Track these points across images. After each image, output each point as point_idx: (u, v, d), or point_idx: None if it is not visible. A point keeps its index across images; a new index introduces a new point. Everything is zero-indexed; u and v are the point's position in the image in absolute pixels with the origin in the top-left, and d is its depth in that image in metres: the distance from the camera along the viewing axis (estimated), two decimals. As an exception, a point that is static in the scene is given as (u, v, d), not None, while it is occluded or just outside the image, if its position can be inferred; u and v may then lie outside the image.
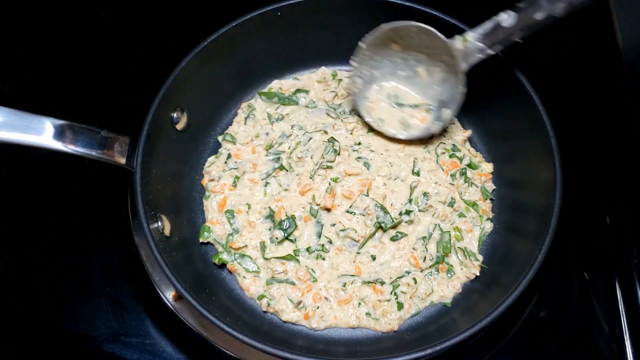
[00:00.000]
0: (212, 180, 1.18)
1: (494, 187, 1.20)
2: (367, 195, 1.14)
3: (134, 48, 1.46)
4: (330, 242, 1.12)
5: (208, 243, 1.14)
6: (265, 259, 1.10)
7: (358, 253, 1.11)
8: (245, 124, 1.25)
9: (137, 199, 1.00)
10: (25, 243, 1.21)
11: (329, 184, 1.15)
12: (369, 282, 1.08)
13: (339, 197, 1.14)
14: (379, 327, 1.06)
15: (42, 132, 0.98)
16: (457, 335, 0.90)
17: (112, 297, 1.15)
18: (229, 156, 1.21)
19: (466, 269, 1.10)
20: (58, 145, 0.99)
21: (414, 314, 1.08)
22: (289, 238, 1.12)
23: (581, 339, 1.12)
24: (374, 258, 1.11)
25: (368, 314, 1.06)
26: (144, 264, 1.13)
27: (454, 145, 1.21)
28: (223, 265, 1.12)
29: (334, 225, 1.12)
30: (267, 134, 1.24)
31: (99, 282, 1.17)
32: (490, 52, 1.02)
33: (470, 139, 1.26)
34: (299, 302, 1.06)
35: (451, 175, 1.17)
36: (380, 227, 1.11)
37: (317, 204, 1.14)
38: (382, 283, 1.08)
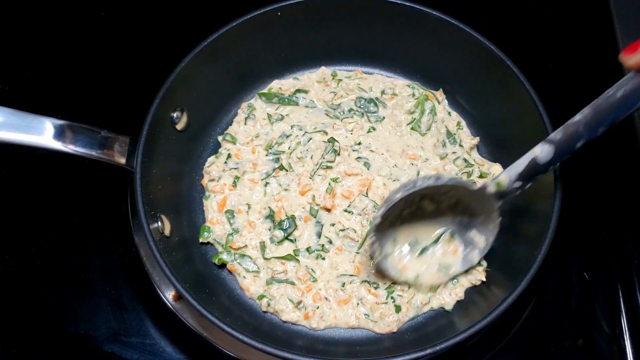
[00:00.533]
0: (212, 180, 1.18)
1: None
2: (367, 196, 1.14)
3: (134, 48, 1.46)
4: (330, 242, 1.12)
5: (208, 243, 1.14)
6: (265, 258, 1.10)
7: (357, 253, 1.11)
8: (245, 124, 1.25)
9: (137, 199, 1.00)
10: (25, 243, 1.21)
11: (329, 184, 1.15)
12: (366, 282, 1.08)
13: (339, 197, 1.14)
14: (377, 329, 1.05)
15: (42, 132, 0.98)
16: (457, 336, 0.90)
17: (112, 297, 1.15)
18: (229, 156, 1.21)
19: (471, 276, 1.09)
20: (58, 145, 0.98)
21: (413, 317, 1.07)
22: (289, 238, 1.12)
23: (581, 339, 1.12)
24: (372, 257, 1.11)
25: (367, 315, 1.06)
26: (144, 264, 1.13)
27: (464, 159, 1.19)
28: (223, 265, 1.12)
29: (333, 225, 1.12)
30: (267, 134, 1.24)
31: (99, 282, 1.17)
32: (527, 186, 0.94)
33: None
34: (299, 302, 1.06)
35: None
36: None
37: (317, 204, 1.14)
38: (377, 287, 1.08)
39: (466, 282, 1.09)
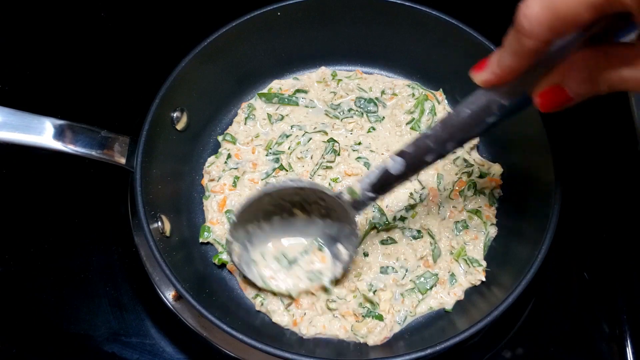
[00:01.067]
0: (212, 180, 1.18)
1: (502, 194, 1.18)
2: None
3: (134, 48, 1.46)
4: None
5: (208, 243, 1.14)
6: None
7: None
8: (245, 124, 1.25)
9: (137, 199, 1.00)
10: (25, 243, 1.21)
11: (329, 184, 1.15)
12: (335, 300, 1.06)
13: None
14: (371, 342, 1.03)
15: (42, 132, 0.98)
16: (456, 336, 0.90)
17: (112, 297, 1.15)
18: (229, 156, 1.21)
19: (470, 276, 1.09)
20: (58, 145, 0.99)
21: (404, 318, 1.06)
22: None
23: (581, 339, 1.12)
24: (366, 254, 1.10)
25: (354, 332, 1.03)
26: (144, 264, 1.13)
27: (464, 159, 1.20)
28: (223, 265, 1.12)
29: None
30: (266, 134, 1.24)
31: (99, 282, 1.17)
32: (381, 196, 0.92)
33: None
34: (289, 304, 1.06)
35: (459, 193, 1.16)
36: (374, 226, 1.11)
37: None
38: (352, 294, 1.06)
39: (466, 282, 1.09)
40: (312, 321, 1.05)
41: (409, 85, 1.29)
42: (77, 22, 1.50)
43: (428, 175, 1.18)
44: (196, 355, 1.11)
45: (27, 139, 0.97)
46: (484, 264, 1.10)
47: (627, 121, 1.29)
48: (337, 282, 1.07)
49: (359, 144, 1.21)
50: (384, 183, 0.90)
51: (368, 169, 1.17)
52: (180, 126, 1.17)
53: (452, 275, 1.09)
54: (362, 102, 1.26)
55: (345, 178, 1.16)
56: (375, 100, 1.27)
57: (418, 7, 1.18)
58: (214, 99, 1.26)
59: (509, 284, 0.97)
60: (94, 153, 1.01)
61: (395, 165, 0.87)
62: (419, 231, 1.12)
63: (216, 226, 1.14)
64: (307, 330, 1.04)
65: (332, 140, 1.20)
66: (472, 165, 1.19)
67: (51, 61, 1.44)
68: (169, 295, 1.11)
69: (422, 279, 1.08)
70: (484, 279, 1.08)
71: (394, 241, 1.11)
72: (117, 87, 1.40)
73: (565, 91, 0.64)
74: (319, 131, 1.22)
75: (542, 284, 1.15)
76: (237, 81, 1.28)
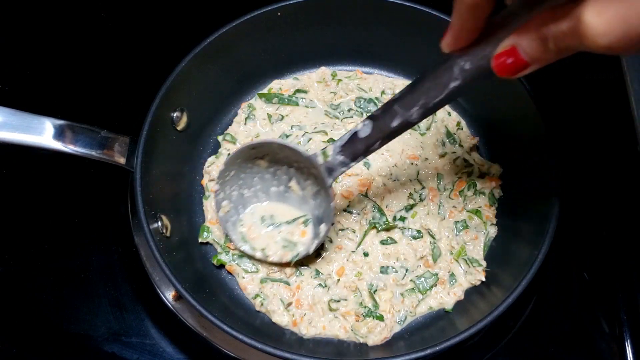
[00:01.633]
0: (213, 180, 1.18)
1: (502, 194, 1.18)
2: (366, 196, 1.14)
3: (134, 48, 1.46)
4: (331, 241, 1.12)
5: (207, 243, 1.14)
6: None
7: (353, 252, 1.11)
8: (245, 124, 1.25)
9: (137, 199, 1.00)
10: (25, 243, 1.21)
11: (329, 184, 1.15)
12: (338, 300, 1.06)
13: (339, 197, 1.14)
14: (370, 342, 1.03)
15: (42, 132, 0.98)
16: (456, 336, 0.90)
17: (112, 297, 1.15)
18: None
19: (470, 276, 1.09)
20: (58, 145, 0.99)
21: (404, 318, 1.06)
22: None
23: (581, 339, 1.12)
24: (366, 254, 1.11)
25: (354, 332, 1.04)
26: (144, 264, 1.13)
27: (464, 159, 1.20)
28: (222, 265, 1.12)
29: (332, 224, 1.13)
30: (267, 134, 1.24)
31: (99, 282, 1.17)
32: (352, 164, 0.93)
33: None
34: (289, 304, 1.06)
35: (459, 193, 1.16)
36: (374, 226, 1.11)
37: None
38: (353, 293, 1.07)
39: (466, 282, 1.09)
40: (312, 321, 1.05)
41: None
42: (77, 22, 1.50)
43: (428, 175, 1.18)
44: (196, 355, 1.11)
45: (27, 139, 0.97)
46: (484, 264, 1.10)
47: (627, 121, 1.29)
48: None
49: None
50: (353, 146, 0.91)
51: (368, 169, 1.17)
52: (180, 126, 1.17)
53: (452, 275, 1.09)
54: (362, 102, 1.26)
55: (345, 178, 1.16)
56: (375, 100, 1.27)
57: (418, 7, 1.18)
58: (214, 99, 1.26)
59: (509, 284, 0.97)
60: (94, 153, 1.01)
61: (364, 129, 0.89)
62: (419, 231, 1.12)
63: (215, 226, 1.14)
64: (307, 330, 1.04)
65: (332, 140, 1.20)
66: (472, 165, 1.19)
67: (51, 61, 1.44)
68: (169, 295, 1.11)
69: (422, 279, 1.08)
70: (484, 279, 1.08)
71: (394, 241, 1.11)
72: (117, 87, 1.40)
73: (518, 53, 0.66)
74: (319, 131, 1.22)
75: (542, 284, 1.15)
76: (237, 81, 1.28)
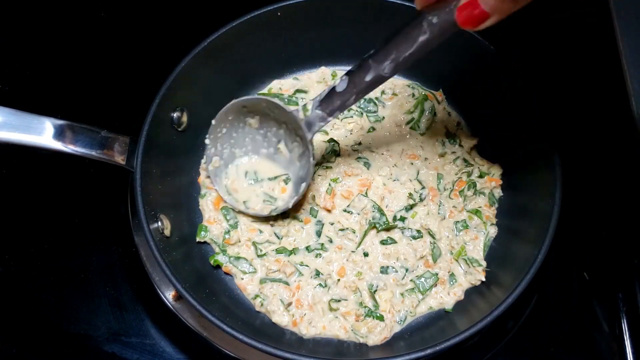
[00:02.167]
0: (209, 177, 1.19)
1: (502, 194, 1.18)
2: (366, 196, 1.14)
3: (134, 48, 1.46)
4: (331, 241, 1.12)
5: (206, 242, 1.14)
6: (259, 256, 1.11)
7: (353, 252, 1.11)
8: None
9: (137, 199, 1.00)
10: (25, 243, 1.21)
11: (329, 184, 1.15)
12: (338, 300, 1.07)
13: (339, 197, 1.15)
14: (370, 342, 1.03)
15: (42, 132, 0.98)
16: (457, 336, 0.90)
17: (112, 297, 1.15)
18: None
19: (470, 276, 1.09)
20: (58, 145, 0.99)
21: (404, 318, 1.06)
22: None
23: (581, 339, 1.12)
24: (366, 254, 1.11)
25: (354, 332, 1.04)
26: (144, 264, 1.13)
27: (464, 159, 1.20)
28: (220, 265, 1.12)
29: (332, 224, 1.13)
30: None
31: (99, 282, 1.17)
32: (330, 119, 0.99)
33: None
34: (289, 304, 1.06)
35: (459, 193, 1.16)
36: (374, 226, 1.11)
37: (317, 204, 1.14)
38: (353, 293, 1.07)
39: (466, 282, 1.09)
40: (312, 321, 1.05)
41: (409, 86, 1.29)
42: (77, 22, 1.50)
43: (428, 175, 1.18)
44: (196, 355, 1.11)
45: (27, 139, 0.97)
46: (484, 264, 1.10)
47: (627, 121, 1.29)
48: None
49: (360, 144, 1.21)
50: (331, 101, 0.96)
51: (368, 169, 1.17)
52: (180, 126, 1.17)
53: (452, 275, 1.09)
54: (362, 102, 1.26)
55: (345, 178, 1.16)
56: (375, 100, 1.27)
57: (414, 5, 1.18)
58: (214, 99, 1.25)
59: (509, 284, 0.97)
60: (94, 153, 1.01)
61: (341, 84, 0.94)
62: (419, 231, 1.12)
63: (213, 225, 1.14)
64: (307, 330, 1.04)
65: (332, 140, 1.20)
66: (472, 165, 1.19)
67: (51, 61, 1.44)
68: (169, 295, 1.12)
69: (422, 279, 1.08)
70: (484, 279, 1.08)
71: (394, 241, 1.11)
72: (117, 87, 1.40)
73: (479, 4, 0.70)
74: (320, 131, 1.22)
75: (542, 284, 1.15)
76: (237, 81, 1.28)
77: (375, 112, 1.26)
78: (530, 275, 0.94)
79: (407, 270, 1.09)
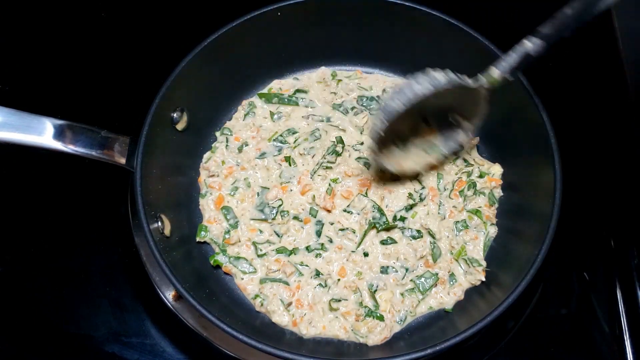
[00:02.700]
0: (212, 176, 1.19)
1: (502, 194, 1.18)
2: (366, 196, 1.14)
3: (134, 48, 1.46)
4: (331, 241, 1.12)
5: (206, 242, 1.14)
6: (259, 256, 1.11)
7: (353, 252, 1.11)
8: (244, 120, 1.26)
9: (137, 199, 1.00)
10: (25, 243, 1.21)
11: (329, 184, 1.15)
12: (338, 300, 1.07)
13: (339, 197, 1.15)
14: (370, 342, 1.03)
15: (42, 132, 0.98)
16: (457, 336, 0.90)
17: (112, 297, 1.15)
18: (227, 145, 1.22)
19: (470, 276, 1.09)
20: (58, 145, 0.99)
21: (404, 318, 1.06)
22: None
23: (581, 339, 1.12)
24: (366, 254, 1.11)
25: (354, 332, 1.04)
26: (144, 264, 1.13)
27: (464, 159, 1.20)
28: (220, 265, 1.12)
29: (332, 224, 1.13)
30: (268, 128, 1.24)
31: (99, 283, 1.17)
32: (511, 79, 0.99)
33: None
34: (289, 304, 1.06)
35: (459, 192, 1.16)
36: (374, 226, 1.11)
37: (317, 204, 1.14)
38: (353, 293, 1.07)
39: (466, 282, 1.09)
40: (312, 321, 1.05)
41: None
42: (77, 22, 1.50)
43: (428, 175, 1.18)
44: (196, 355, 1.11)
45: (27, 139, 0.97)
46: (484, 264, 1.10)
47: (627, 122, 1.29)
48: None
49: (362, 144, 1.21)
50: (522, 66, 0.95)
51: (368, 169, 1.17)
52: (180, 126, 1.17)
53: (452, 275, 1.09)
54: (364, 100, 1.27)
55: (345, 179, 1.16)
56: (377, 99, 1.27)
57: (418, 7, 1.18)
58: (214, 99, 1.26)
59: (509, 284, 0.97)
60: (94, 153, 1.01)
61: (535, 47, 0.92)
62: (418, 231, 1.12)
63: (213, 225, 1.14)
64: (307, 330, 1.04)
65: (340, 140, 1.19)
66: (472, 165, 1.19)
67: (51, 61, 1.44)
68: (169, 295, 1.11)
69: (422, 279, 1.08)
70: (484, 279, 1.08)
71: (394, 241, 1.11)
72: (117, 87, 1.40)
73: None
74: (332, 125, 1.22)
75: (542, 284, 1.15)
76: (237, 81, 1.28)
77: (378, 110, 1.26)
78: (530, 275, 0.94)
79: (407, 270, 1.09)
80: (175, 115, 1.15)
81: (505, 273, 1.04)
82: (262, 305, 1.07)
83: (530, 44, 0.92)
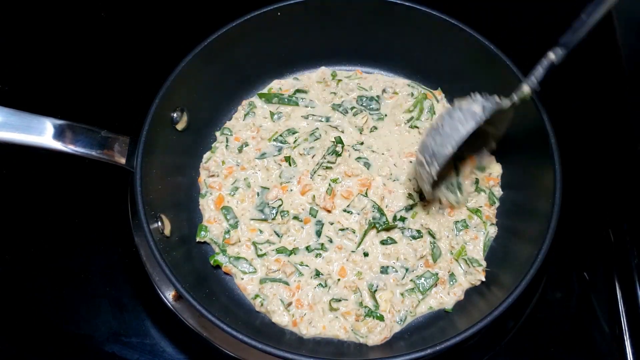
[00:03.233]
0: (212, 176, 1.19)
1: (502, 193, 1.18)
2: (366, 196, 1.14)
3: (134, 48, 1.46)
4: (331, 240, 1.12)
5: (206, 242, 1.14)
6: (259, 256, 1.11)
7: (353, 252, 1.11)
8: (244, 120, 1.26)
9: (137, 199, 1.00)
10: (25, 243, 1.21)
11: (329, 184, 1.15)
12: (338, 300, 1.07)
13: (339, 197, 1.15)
14: (370, 342, 1.03)
15: (42, 132, 0.98)
16: (457, 336, 0.90)
17: (112, 297, 1.15)
18: (227, 145, 1.22)
19: (470, 276, 1.09)
20: (58, 145, 0.99)
21: (404, 318, 1.06)
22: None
23: (581, 339, 1.12)
24: (366, 254, 1.11)
25: (354, 332, 1.04)
26: (144, 264, 1.13)
27: None
28: (220, 265, 1.12)
29: (332, 224, 1.13)
30: (268, 128, 1.24)
31: (99, 283, 1.17)
32: (539, 89, 1.02)
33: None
34: (289, 304, 1.06)
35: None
36: (374, 226, 1.11)
37: (317, 204, 1.14)
38: (353, 293, 1.07)
39: (466, 282, 1.09)
40: (312, 321, 1.05)
41: (409, 85, 1.29)
42: (77, 22, 1.50)
43: None
44: (196, 355, 1.11)
45: (27, 139, 0.97)
46: (484, 264, 1.10)
47: (626, 122, 1.29)
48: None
49: (362, 143, 1.21)
50: (546, 74, 0.99)
51: (368, 169, 1.17)
52: (180, 126, 1.17)
53: (452, 275, 1.09)
54: (364, 100, 1.27)
55: (345, 179, 1.16)
56: (377, 98, 1.27)
57: (418, 7, 1.18)
58: (214, 99, 1.26)
59: (509, 284, 0.97)
60: (94, 153, 1.01)
61: (558, 57, 0.96)
62: (418, 231, 1.12)
63: (213, 225, 1.14)
64: (307, 330, 1.04)
65: (340, 140, 1.19)
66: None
67: (51, 61, 1.44)
68: (169, 295, 1.11)
69: (422, 279, 1.08)
70: (484, 279, 1.08)
71: (394, 241, 1.11)
72: (117, 87, 1.40)
73: None
74: (331, 126, 1.22)
75: (542, 284, 1.15)
76: (237, 81, 1.28)
77: (377, 109, 1.26)
78: (530, 275, 0.94)
79: (407, 270, 1.09)
80: (175, 115, 1.15)
81: (505, 273, 1.04)
82: (262, 305, 1.07)
83: (554, 55, 0.96)
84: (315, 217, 1.13)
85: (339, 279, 1.08)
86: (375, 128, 1.24)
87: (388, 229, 1.12)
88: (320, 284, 1.08)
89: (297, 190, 1.16)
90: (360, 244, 1.11)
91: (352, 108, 1.26)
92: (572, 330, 1.12)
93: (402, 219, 1.13)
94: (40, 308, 1.15)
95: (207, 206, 1.16)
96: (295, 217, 1.13)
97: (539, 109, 1.06)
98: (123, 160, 1.04)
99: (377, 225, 1.11)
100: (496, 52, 1.13)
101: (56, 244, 1.21)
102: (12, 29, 1.49)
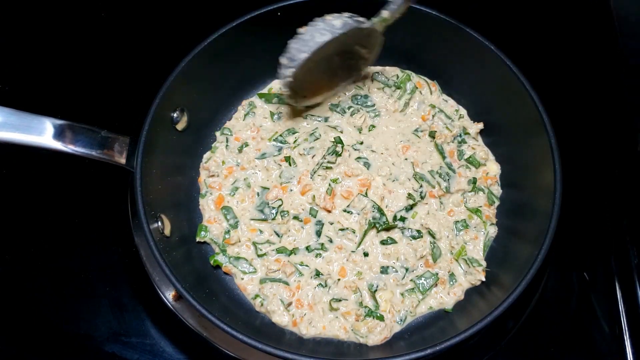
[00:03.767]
0: (212, 176, 1.19)
1: (501, 191, 1.18)
2: (366, 195, 1.14)
3: (134, 48, 1.46)
4: (331, 241, 1.12)
5: (206, 242, 1.14)
6: (259, 256, 1.11)
7: (353, 252, 1.11)
8: (244, 120, 1.26)
9: (137, 199, 1.00)
10: (25, 243, 1.21)
11: (329, 185, 1.15)
12: (339, 300, 1.07)
13: (339, 197, 1.15)
14: (371, 342, 1.03)
15: (42, 132, 0.98)
16: (457, 336, 0.90)
17: (112, 297, 1.15)
18: (227, 145, 1.22)
19: (470, 276, 1.09)
20: (58, 145, 0.99)
21: (404, 318, 1.06)
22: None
23: (581, 339, 1.12)
24: (366, 254, 1.11)
25: (354, 332, 1.04)
26: (144, 264, 1.13)
27: (460, 135, 1.22)
28: (220, 266, 1.12)
29: (332, 224, 1.13)
30: (268, 128, 1.24)
31: (99, 283, 1.17)
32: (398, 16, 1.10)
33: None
34: (289, 304, 1.06)
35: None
36: (374, 226, 1.11)
37: (317, 204, 1.14)
38: (353, 293, 1.07)
39: (466, 282, 1.09)
40: (312, 321, 1.05)
41: (400, 72, 1.29)
42: (77, 22, 1.50)
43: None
44: (196, 355, 1.11)
45: (27, 139, 0.97)
46: (484, 264, 1.10)
47: (626, 122, 1.29)
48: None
49: (361, 143, 1.21)
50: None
51: (368, 169, 1.17)
52: (180, 126, 1.17)
53: (452, 275, 1.09)
54: (359, 98, 1.26)
55: (345, 179, 1.16)
56: (369, 93, 1.27)
57: (417, 7, 1.18)
58: (214, 99, 1.26)
59: (509, 284, 0.97)
60: (94, 153, 1.01)
61: None
62: (419, 231, 1.12)
63: (213, 225, 1.14)
64: (307, 330, 1.04)
65: (339, 140, 1.19)
66: (467, 142, 1.21)
67: (51, 61, 1.44)
68: (169, 295, 1.11)
69: (422, 279, 1.08)
70: (484, 279, 1.08)
71: (394, 241, 1.11)
72: (117, 87, 1.40)
73: None
74: (330, 126, 1.22)
75: (542, 284, 1.15)
76: (237, 81, 1.28)
77: (373, 106, 1.25)
78: (530, 275, 0.94)
79: (407, 270, 1.09)
80: (175, 115, 1.15)
81: (505, 273, 1.04)
82: (262, 305, 1.07)
83: None
84: (315, 217, 1.13)
85: (339, 279, 1.08)
86: (374, 126, 1.23)
87: (388, 229, 1.12)
88: (320, 284, 1.08)
89: (297, 190, 1.16)
90: (360, 244, 1.11)
91: (349, 108, 1.26)
92: (572, 330, 1.12)
93: (402, 219, 1.13)
94: (40, 308, 1.15)
95: (207, 206, 1.16)
96: (295, 217, 1.13)
97: (539, 109, 1.06)
98: (123, 160, 1.04)
99: (377, 225, 1.11)
100: (495, 51, 1.13)
101: (56, 244, 1.21)
102: (12, 29, 1.49)
